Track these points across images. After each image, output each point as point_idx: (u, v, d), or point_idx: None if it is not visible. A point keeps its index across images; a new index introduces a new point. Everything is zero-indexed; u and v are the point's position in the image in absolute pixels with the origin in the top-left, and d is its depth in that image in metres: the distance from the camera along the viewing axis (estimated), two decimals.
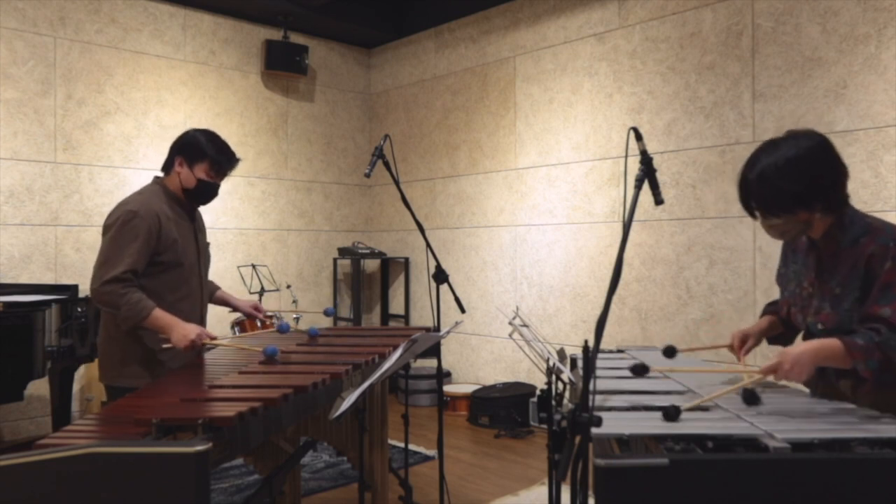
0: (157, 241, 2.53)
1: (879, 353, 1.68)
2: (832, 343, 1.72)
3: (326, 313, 3.20)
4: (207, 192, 2.68)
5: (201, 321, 2.75)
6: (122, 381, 2.54)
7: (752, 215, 1.88)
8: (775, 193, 1.79)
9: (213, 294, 2.95)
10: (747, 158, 1.87)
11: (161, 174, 2.72)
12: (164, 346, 2.43)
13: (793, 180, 1.77)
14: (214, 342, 2.53)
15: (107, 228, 2.52)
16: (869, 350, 1.69)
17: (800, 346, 1.74)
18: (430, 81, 6.33)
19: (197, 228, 2.78)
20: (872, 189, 3.67)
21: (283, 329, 2.85)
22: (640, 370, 1.82)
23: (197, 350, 2.49)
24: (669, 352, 2.18)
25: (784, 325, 2.13)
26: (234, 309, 2.99)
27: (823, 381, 1.94)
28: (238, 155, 2.74)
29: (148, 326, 2.46)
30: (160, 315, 2.44)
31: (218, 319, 3.12)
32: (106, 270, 2.44)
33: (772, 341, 2.21)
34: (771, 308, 2.19)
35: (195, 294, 2.70)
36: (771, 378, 1.76)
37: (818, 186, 1.79)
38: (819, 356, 1.71)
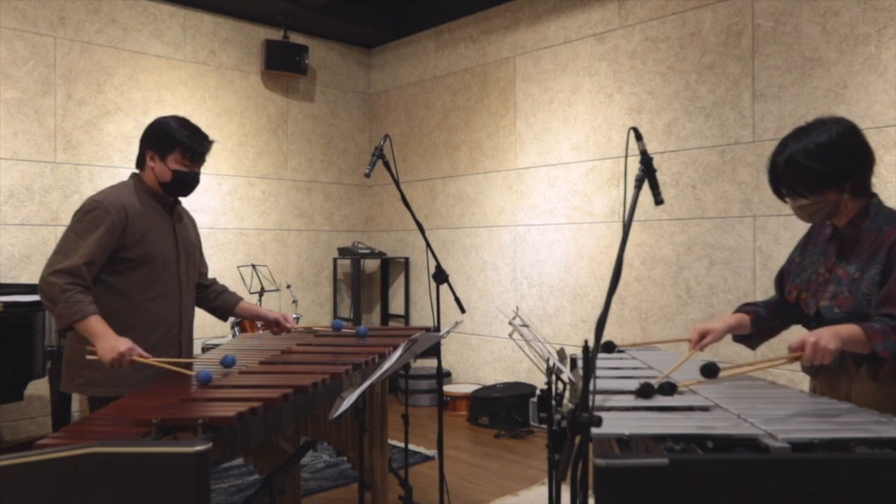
0: (123, 233, 2.36)
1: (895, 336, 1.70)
2: (849, 327, 1.74)
3: (335, 328, 3.04)
4: (186, 182, 2.51)
5: (179, 324, 2.56)
6: (87, 390, 2.38)
7: (782, 199, 1.94)
8: (804, 174, 1.84)
9: (235, 305, 2.81)
10: (777, 144, 1.92)
11: (137, 171, 2.55)
12: (88, 356, 2.21)
13: (822, 162, 1.82)
14: (144, 360, 2.23)
15: (72, 219, 2.37)
16: (886, 332, 1.71)
17: (818, 329, 1.73)
18: (430, 81, 6.33)
19: (178, 226, 2.60)
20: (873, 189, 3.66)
21: (203, 378, 2.16)
22: (646, 391, 1.77)
23: (124, 366, 2.22)
24: (608, 347, 2.21)
25: (754, 326, 2.13)
26: (263, 321, 2.84)
27: (823, 374, 1.95)
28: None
29: (79, 331, 2.24)
30: (95, 323, 2.22)
31: (217, 319, 3.08)
32: (57, 261, 2.28)
33: (737, 339, 2.21)
34: (745, 308, 2.18)
35: (171, 294, 2.50)
36: (770, 374, 1.76)
37: (847, 168, 1.84)
38: (840, 336, 1.70)
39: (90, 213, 2.34)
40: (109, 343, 2.19)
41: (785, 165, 1.87)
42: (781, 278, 2.17)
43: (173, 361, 2.33)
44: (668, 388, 1.64)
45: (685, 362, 2.06)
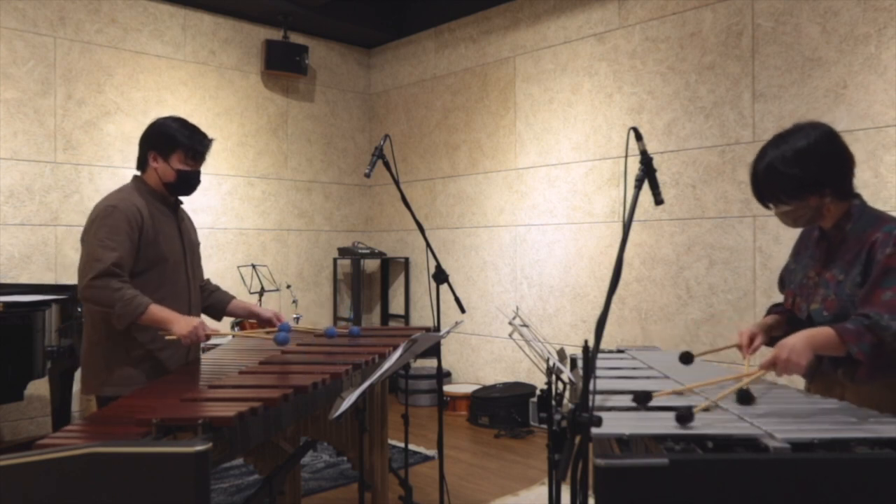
0: (140, 234, 2.40)
1: (870, 335, 1.70)
2: (824, 330, 1.75)
3: (328, 334, 2.96)
4: (189, 181, 2.56)
5: None
6: (108, 390, 2.38)
7: (766, 206, 1.95)
8: (783, 181, 1.85)
9: (227, 304, 2.82)
10: (758, 152, 1.93)
11: (138, 173, 2.59)
12: (168, 337, 2.32)
13: (800, 168, 1.83)
14: (217, 333, 2.40)
15: (86, 229, 2.41)
16: (860, 333, 1.71)
17: (792, 336, 1.74)
18: (430, 81, 6.33)
19: (182, 226, 2.65)
20: (872, 189, 3.67)
21: (282, 340, 2.54)
22: (642, 399, 1.67)
23: (200, 342, 2.38)
24: (686, 358, 2.14)
25: (788, 325, 2.13)
26: (257, 319, 2.84)
27: (820, 372, 1.96)
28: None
29: (144, 324, 2.32)
30: (157, 311, 2.32)
31: (213, 319, 3.08)
32: (92, 266, 2.30)
33: (771, 343, 2.20)
34: (775, 309, 2.18)
35: (181, 294, 2.55)
36: (771, 373, 1.76)
37: (826, 173, 1.85)
38: (814, 344, 1.72)
39: (109, 218, 2.37)
40: (184, 322, 2.31)
41: (764, 173, 1.89)
42: (783, 284, 2.18)
43: (246, 334, 2.49)
44: (644, 399, 1.64)
45: (749, 381, 1.79)
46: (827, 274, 1.92)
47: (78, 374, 4.32)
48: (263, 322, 2.86)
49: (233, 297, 2.87)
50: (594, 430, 1.36)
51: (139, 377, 2.41)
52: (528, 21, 5.50)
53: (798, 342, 1.71)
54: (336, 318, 6.59)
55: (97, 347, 2.44)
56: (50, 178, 4.93)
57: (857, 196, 1.94)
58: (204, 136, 2.57)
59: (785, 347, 1.71)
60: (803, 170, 1.83)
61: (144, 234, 2.43)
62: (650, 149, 2.00)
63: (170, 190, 2.56)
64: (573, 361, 2.46)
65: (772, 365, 1.72)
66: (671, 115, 4.61)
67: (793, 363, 1.69)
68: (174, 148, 2.50)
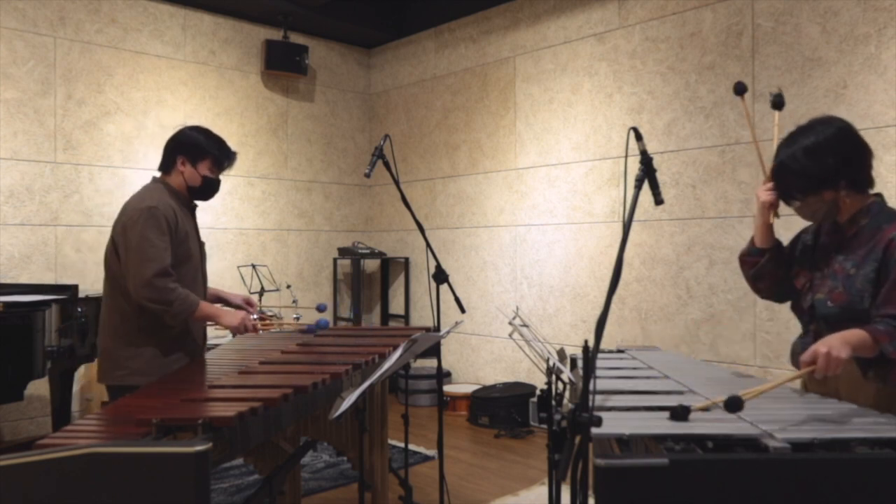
0: (175, 233, 2.56)
1: None
2: (855, 331, 1.73)
3: (319, 309, 3.22)
4: (212, 187, 2.74)
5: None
6: (129, 380, 2.49)
7: (787, 203, 1.97)
8: (795, 177, 1.87)
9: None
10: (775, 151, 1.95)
11: (158, 174, 2.73)
12: (217, 329, 2.57)
13: (811, 164, 1.85)
14: (263, 325, 2.71)
15: (128, 227, 2.49)
16: (892, 334, 1.71)
17: (826, 337, 1.72)
18: (430, 81, 6.33)
19: (196, 227, 2.82)
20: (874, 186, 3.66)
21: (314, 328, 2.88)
22: (681, 414, 1.51)
23: (249, 332, 2.65)
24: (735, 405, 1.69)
25: (775, 249, 2.16)
26: (227, 304, 2.96)
27: (814, 378, 1.95)
28: (238, 155, 2.82)
29: (196, 319, 2.54)
30: (206, 307, 2.55)
31: None
32: (149, 267, 2.42)
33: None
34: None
35: (198, 290, 2.70)
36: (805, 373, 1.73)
37: (837, 167, 1.85)
38: (849, 342, 1.68)
39: (153, 219, 2.50)
40: (232, 315, 2.59)
41: (777, 171, 1.92)
42: (795, 242, 2.19)
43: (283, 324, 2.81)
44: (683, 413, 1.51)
45: (795, 377, 1.75)
46: (836, 265, 1.92)
47: (78, 374, 4.34)
48: (233, 307, 2.95)
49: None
50: (594, 430, 1.36)
51: (159, 369, 2.53)
52: (528, 21, 5.50)
53: (834, 339, 1.69)
54: (336, 319, 6.59)
55: (121, 340, 2.54)
56: (50, 178, 4.93)
57: (878, 194, 1.94)
58: (231, 149, 2.77)
59: (823, 343, 1.67)
60: (813, 166, 1.85)
61: (177, 233, 2.57)
62: (650, 149, 2.00)
63: (192, 193, 2.72)
64: (573, 361, 2.46)
65: (812, 361, 1.67)
66: (671, 115, 4.61)
67: (833, 357, 1.64)
68: (205, 156, 2.67)
